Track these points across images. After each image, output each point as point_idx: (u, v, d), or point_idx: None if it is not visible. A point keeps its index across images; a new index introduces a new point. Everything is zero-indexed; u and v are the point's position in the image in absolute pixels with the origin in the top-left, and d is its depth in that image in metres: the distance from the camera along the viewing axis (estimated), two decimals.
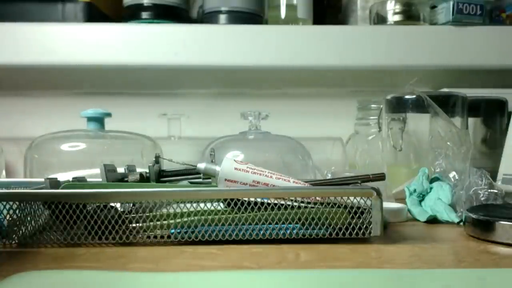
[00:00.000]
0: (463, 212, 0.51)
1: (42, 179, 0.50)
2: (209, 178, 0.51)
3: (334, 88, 0.96)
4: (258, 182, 0.46)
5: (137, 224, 0.44)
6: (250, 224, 0.44)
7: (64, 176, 0.57)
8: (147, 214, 0.45)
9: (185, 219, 0.44)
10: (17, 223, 0.43)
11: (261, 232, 0.44)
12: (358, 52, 0.88)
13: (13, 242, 0.43)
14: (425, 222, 0.55)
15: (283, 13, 0.91)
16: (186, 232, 0.44)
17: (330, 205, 0.45)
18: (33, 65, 0.86)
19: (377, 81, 0.94)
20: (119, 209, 0.45)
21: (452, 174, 0.59)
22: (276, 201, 0.45)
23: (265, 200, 0.45)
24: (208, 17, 0.90)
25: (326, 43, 0.88)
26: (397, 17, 0.89)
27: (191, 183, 0.56)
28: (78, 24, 0.87)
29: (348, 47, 0.88)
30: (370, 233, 0.45)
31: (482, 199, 0.55)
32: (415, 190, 0.60)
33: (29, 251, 0.42)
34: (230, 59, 0.87)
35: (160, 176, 0.54)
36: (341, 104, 0.93)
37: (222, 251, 0.42)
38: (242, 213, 0.45)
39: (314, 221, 0.45)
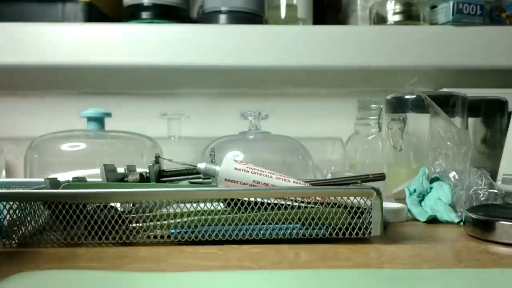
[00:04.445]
0: (463, 212, 0.51)
1: (42, 179, 0.50)
2: (209, 178, 0.51)
3: (334, 88, 0.96)
4: (258, 182, 0.46)
5: (137, 224, 0.44)
6: (250, 224, 0.44)
7: (64, 176, 0.56)
8: (147, 214, 0.45)
9: (185, 219, 0.44)
10: (17, 223, 0.43)
11: (261, 232, 0.44)
12: (358, 52, 0.88)
13: (13, 242, 0.43)
14: (425, 222, 0.55)
15: (283, 13, 0.91)
16: (186, 232, 0.44)
17: (330, 205, 0.45)
18: (33, 65, 0.86)
19: (377, 81, 0.94)
20: (119, 209, 0.45)
21: (452, 174, 0.59)
22: (276, 201, 0.45)
23: (265, 200, 0.45)
24: (208, 17, 0.90)
25: (326, 43, 0.88)
26: (397, 17, 0.89)
27: (191, 183, 0.56)
28: (78, 24, 0.87)
29: (348, 47, 0.88)
30: (370, 233, 0.45)
31: (482, 199, 0.55)
32: (415, 190, 0.60)
33: (29, 251, 0.42)
34: (230, 59, 0.87)
35: (160, 176, 0.54)
36: (341, 104, 0.94)
37: (222, 251, 0.42)
38: (242, 213, 0.45)
39: (314, 221, 0.45)
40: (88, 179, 0.53)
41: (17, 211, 0.43)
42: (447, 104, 0.70)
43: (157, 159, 0.54)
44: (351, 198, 0.45)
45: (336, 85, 0.96)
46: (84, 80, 0.93)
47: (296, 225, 0.45)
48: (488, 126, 0.80)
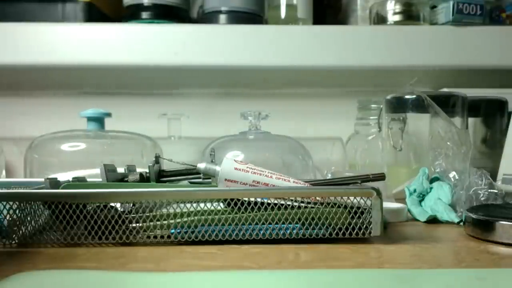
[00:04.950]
0: (463, 212, 0.51)
1: (42, 179, 0.50)
2: (209, 178, 0.51)
3: (334, 88, 0.96)
4: (258, 182, 0.46)
5: (137, 224, 0.44)
6: (250, 224, 0.44)
7: (64, 176, 0.56)
8: (147, 214, 0.45)
9: (185, 219, 0.44)
10: (17, 223, 0.43)
11: (261, 232, 0.44)
12: (358, 52, 0.88)
13: (13, 242, 0.43)
14: (425, 222, 0.55)
15: (283, 13, 0.91)
16: (186, 232, 0.44)
17: (330, 205, 0.45)
18: (33, 65, 0.86)
19: (377, 81, 0.94)
20: (119, 209, 0.45)
21: (452, 174, 0.59)
22: (276, 201, 0.45)
23: (265, 200, 0.45)
24: (208, 17, 0.90)
25: (326, 43, 0.88)
26: (397, 17, 0.89)
27: (191, 183, 0.56)
28: (78, 24, 0.87)
29: (348, 47, 0.88)
30: (370, 233, 0.45)
31: (482, 199, 0.55)
32: (415, 190, 0.60)
33: (29, 251, 0.42)
34: (230, 59, 0.87)
35: (160, 176, 0.54)
36: (341, 104, 0.93)
37: (222, 251, 0.42)
38: (242, 213, 0.45)
39: (314, 221, 0.45)
40: (88, 179, 0.53)
41: (17, 211, 0.43)
42: (447, 104, 0.70)
43: (157, 159, 0.54)
44: (351, 198, 0.45)
45: (336, 85, 0.96)
46: (84, 80, 0.93)
47: (296, 225, 0.45)
48: (488, 126, 0.80)
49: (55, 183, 0.48)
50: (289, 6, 0.91)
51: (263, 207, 0.45)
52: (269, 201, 0.45)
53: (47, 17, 0.87)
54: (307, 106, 0.96)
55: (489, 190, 0.55)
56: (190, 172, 0.54)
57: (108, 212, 0.44)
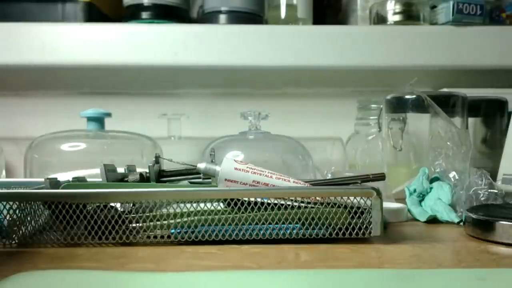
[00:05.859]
0: (463, 212, 0.51)
1: (42, 179, 0.50)
2: (209, 178, 0.51)
3: (334, 88, 0.96)
4: (258, 182, 0.46)
5: (137, 224, 0.44)
6: (250, 224, 0.44)
7: (64, 176, 0.56)
8: (147, 214, 0.45)
9: (185, 219, 0.44)
10: (17, 223, 0.43)
11: (261, 232, 0.44)
12: (358, 52, 0.88)
13: (13, 242, 0.43)
14: (425, 222, 0.55)
15: (283, 13, 0.91)
16: (186, 232, 0.44)
17: (330, 205, 0.45)
18: (33, 65, 0.86)
19: (377, 81, 0.94)
20: (119, 209, 0.45)
21: (452, 174, 0.59)
22: (276, 201, 0.45)
23: (265, 200, 0.45)
24: (208, 17, 0.90)
25: (326, 43, 0.88)
26: (397, 17, 0.89)
27: (191, 183, 0.56)
28: (78, 24, 0.87)
29: (348, 47, 0.88)
30: (370, 233, 0.45)
31: (482, 199, 0.55)
32: (415, 190, 0.60)
33: (29, 251, 0.42)
34: (230, 59, 0.87)
35: (160, 176, 0.54)
36: (341, 104, 0.93)
37: (222, 251, 0.42)
38: (242, 213, 0.45)
39: (314, 221, 0.45)
40: (88, 179, 0.53)
41: (17, 211, 0.43)
42: (447, 104, 0.70)
43: (157, 159, 0.54)
44: (351, 198, 0.45)
45: (336, 85, 0.96)
46: (84, 80, 0.93)
47: (296, 225, 0.45)
48: (488, 126, 0.80)
49: (55, 183, 0.48)
50: (289, 6, 0.91)
51: (263, 207, 0.45)
52: (269, 201, 0.45)
53: (47, 17, 0.87)
54: (307, 106, 0.96)
55: (489, 190, 0.55)
56: (190, 172, 0.54)
57: (108, 212, 0.44)
